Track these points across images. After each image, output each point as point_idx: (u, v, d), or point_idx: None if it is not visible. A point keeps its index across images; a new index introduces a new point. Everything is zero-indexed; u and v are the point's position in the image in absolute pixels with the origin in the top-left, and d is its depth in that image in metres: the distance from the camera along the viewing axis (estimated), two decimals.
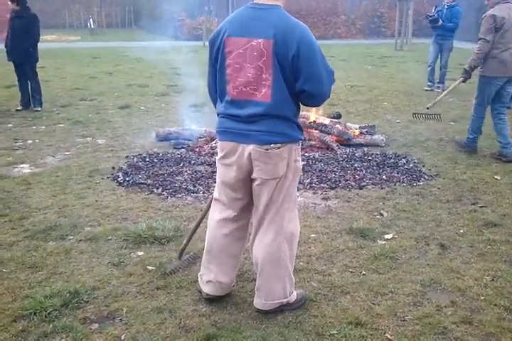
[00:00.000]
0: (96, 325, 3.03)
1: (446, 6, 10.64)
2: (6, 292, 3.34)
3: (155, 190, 5.17)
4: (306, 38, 2.79)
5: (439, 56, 11.07)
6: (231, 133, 2.92)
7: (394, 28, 22.21)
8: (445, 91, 7.18)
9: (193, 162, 5.99)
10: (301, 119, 6.79)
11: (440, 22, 10.55)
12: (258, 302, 3.11)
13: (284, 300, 3.10)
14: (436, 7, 10.95)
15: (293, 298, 3.15)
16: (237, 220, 3.11)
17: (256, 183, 2.94)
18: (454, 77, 11.99)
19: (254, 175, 2.92)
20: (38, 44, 9.10)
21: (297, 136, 2.97)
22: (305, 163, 5.90)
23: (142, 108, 9.31)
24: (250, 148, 2.85)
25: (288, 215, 3.05)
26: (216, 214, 3.14)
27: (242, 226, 3.16)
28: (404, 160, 6.11)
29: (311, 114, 6.99)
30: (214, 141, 6.61)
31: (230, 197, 3.06)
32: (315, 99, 3.00)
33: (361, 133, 6.95)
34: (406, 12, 20.42)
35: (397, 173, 5.67)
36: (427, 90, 11.04)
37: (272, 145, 2.84)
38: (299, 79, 2.82)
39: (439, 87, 11.04)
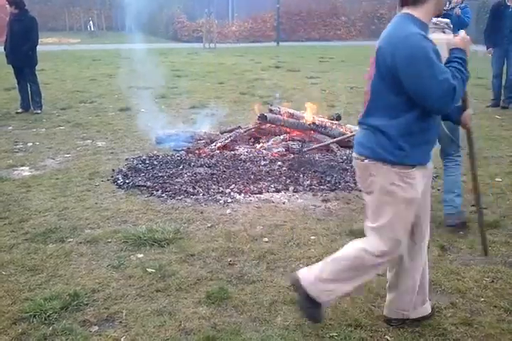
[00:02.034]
0: (96, 328, 3.03)
1: (459, 7, 10.37)
2: (5, 294, 3.34)
3: (155, 192, 5.17)
4: (403, 48, 2.53)
5: None
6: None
7: None
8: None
9: (192, 164, 5.98)
10: (300, 121, 6.80)
11: (459, 11, 9.93)
12: None
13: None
14: (449, 2, 10.52)
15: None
16: None
17: None
18: None
19: None
20: (38, 47, 9.11)
21: (386, 157, 2.66)
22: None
23: (142, 110, 9.31)
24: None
25: (374, 234, 2.81)
26: None
27: None
28: None
29: (311, 116, 6.99)
30: (214, 143, 6.62)
31: None
32: (434, 112, 2.70)
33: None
34: None
35: None
36: None
37: (357, 155, 2.79)
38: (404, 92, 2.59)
39: None
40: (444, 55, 2.86)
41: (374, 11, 29.49)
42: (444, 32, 4.41)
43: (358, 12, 29.51)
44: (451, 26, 4.45)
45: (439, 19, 4.45)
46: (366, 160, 2.71)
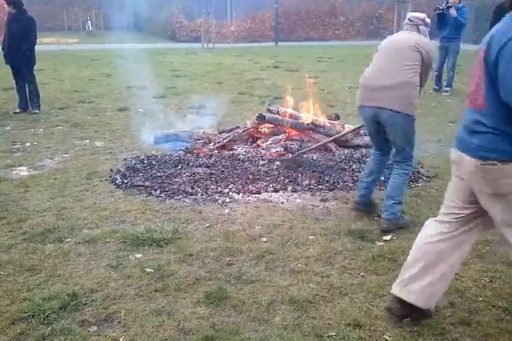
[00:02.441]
0: (94, 328, 3.02)
1: (455, 8, 10.41)
2: (4, 295, 3.34)
3: (153, 192, 5.17)
4: (509, 46, 2.43)
5: (446, 59, 10.91)
6: (457, 140, 2.84)
7: (392, 29, 22.25)
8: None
9: (191, 164, 5.98)
10: (299, 121, 6.80)
11: (454, 12, 10.18)
12: None
13: None
14: (447, 2, 10.60)
15: None
16: None
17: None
18: (461, 80, 12.04)
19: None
20: (36, 47, 9.10)
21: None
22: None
23: (141, 110, 9.31)
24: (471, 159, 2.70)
25: None
26: None
27: None
28: None
29: (309, 116, 6.99)
30: (212, 143, 6.62)
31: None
32: None
33: (359, 134, 6.95)
34: (404, 13, 20.44)
35: None
36: (431, 92, 10.99)
37: (482, 161, 2.64)
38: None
39: (447, 90, 10.93)
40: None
41: (373, 11, 29.52)
42: (418, 28, 4.33)
43: (356, 12, 29.53)
44: (428, 22, 4.37)
45: (415, 14, 4.39)
46: (499, 164, 2.59)
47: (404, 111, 4.22)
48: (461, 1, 10.60)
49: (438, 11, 10.42)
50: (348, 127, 7.07)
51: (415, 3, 24.45)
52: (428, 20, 4.39)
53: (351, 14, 29.48)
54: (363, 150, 6.59)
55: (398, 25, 20.61)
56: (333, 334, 2.95)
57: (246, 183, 5.38)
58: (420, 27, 4.35)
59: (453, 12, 10.32)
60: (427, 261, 2.97)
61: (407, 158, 4.41)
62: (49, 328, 2.99)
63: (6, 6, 8.79)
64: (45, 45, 19.92)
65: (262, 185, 5.33)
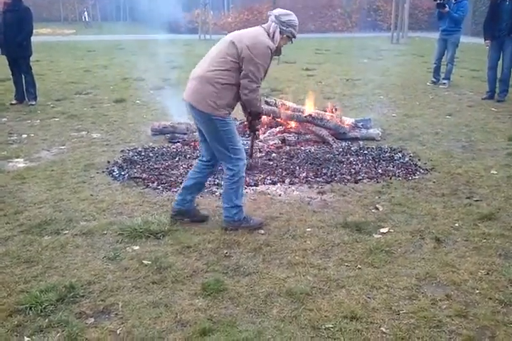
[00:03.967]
0: (92, 320, 3.02)
1: (453, 1, 10.41)
2: (1, 287, 3.33)
3: (150, 184, 5.16)
4: None
5: (445, 52, 10.85)
6: None
7: (390, 22, 22.19)
8: None
9: (188, 156, 5.97)
10: (297, 113, 6.79)
11: (447, 8, 10.25)
12: None
13: None
14: None
15: None
16: None
17: None
18: (458, 73, 12.02)
19: None
20: (32, 37, 9.04)
21: None
22: (301, 156, 5.91)
23: (138, 102, 9.29)
24: None
25: None
26: None
27: None
28: (399, 154, 6.11)
29: (307, 108, 6.98)
30: None
31: None
32: None
33: (357, 126, 6.95)
34: (402, 5, 20.40)
35: (393, 167, 5.67)
36: (429, 85, 10.97)
37: None
38: None
39: (444, 83, 10.90)
40: None
41: (370, 3, 29.41)
42: (270, 25, 3.92)
43: (354, 4, 29.41)
44: (285, 21, 3.91)
45: (278, 10, 4.01)
46: None
47: (200, 108, 3.90)
48: None
49: (438, 1, 10.35)
50: (346, 119, 7.07)
51: None
52: (287, 18, 3.94)
53: (349, 6, 29.36)
54: (361, 143, 6.58)
55: (396, 17, 20.53)
56: (330, 326, 2.95)
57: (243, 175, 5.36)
58: (273, 24, 3.92)
59: (445, 9, 10.31)
60: None
61: (228, 161, 4.01)
62: (46, 320, 2.99)
63: None
64: (41, 35, 19.81)
65: (260, 178, 5.33)
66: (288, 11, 4.01)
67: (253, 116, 4.18)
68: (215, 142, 3.98)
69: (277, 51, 3.98)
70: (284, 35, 3.96)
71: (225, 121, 3.91)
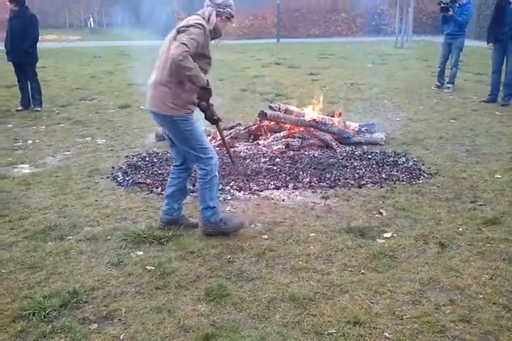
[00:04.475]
0: (95, 325, 3.03)
1: (457, 5, 10.41)
2: (5, 292, 3.35)
3: (154, 189, 5.17)
4: None
5: (450, 55, 10.83)
6: None
7: (394, 26, 22.19)
8: None
9: None
10: (301, 118, 6.80)
11: (451, 12, 10.24)
12: None
13: None
14: None
15: None
16: None
17: None
18: (462, 77, 12.00)
19: None
20: (38, 44, 9.10)
21: None
22: (305, 161, 5.92)
23: (142, 107, 9.30)
24: None
25: None
26: None
27: None
28: (403, 159, 6.10)
29: (311, 113, 6.99)
30: (214, 140, 6.61)
31: None
32: None
33: (361, 131, 6.95)
34: (406, 9, 20.41)
35: (397, 172, 5.67)
36: (433, 89, 10.95)
37: None
38: None
39: (449, 87, 10.85)
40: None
41: (375, 7, 29.41)
42: (205, 11, 3.88)
43: (358, 8, 29.43)
44: (216, 1, 3.88)
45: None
46: None
47: (161, 112, 3.88)
48: None
49: (442, 5, 10.33)
50: (350, 124, 7.08)
51: None
52: (221, 0, 3.91)
53: (353, 10, 29.38)
54: (364, 147, 6.58)
55: (400, 21, 20.55)
56: (333, 331, 2.95)
57: (247, 180, 5.38)
58: (208, 8, 3.91)
59: (449, 12, 10.29)
60: None
61: (199, 161, 4.02)
62: (49, 326, 3.00)
63: (8, 3, 8.78)
64: (46, 42, 19.92)
65: (263, 183, 5.33)
66: None
67: (200, 94, 4.02)
68: (182, 144, 3.99)
69: (216, 33, 3.96)
70: (223, 17, 3.95)
71: (188, 120, 3.92)
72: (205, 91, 3.99)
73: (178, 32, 3.72)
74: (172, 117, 3.87)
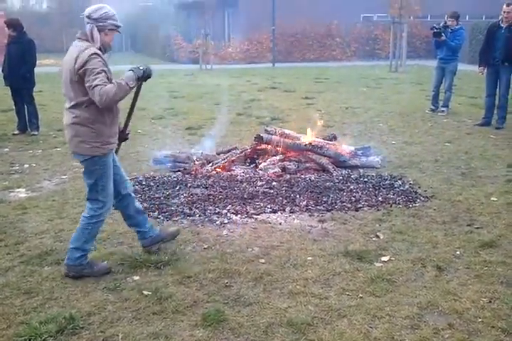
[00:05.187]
0: None
1: (450, 30, 10.57)
2: (0, 318, 3.32)
3: (151, 213, 5.16)
4: None
5: (443, 80, 10.96)
6: None
7: (388, 50, 22.46)
8: None
9: (189, 185, 5.99)
10: (297, 142, 6.84)
11: (443, 37, 10.40)
12: None
13: None
14: (445, 23, 10.68)
15: None
16: None
17: None
18: (456, 100, 12.12)
19: None
20: (35, 69, 9.17)
21: None
22: (301, 185, 5.93)
23: (139, 131, 9.34)
24: None
25: None
26: None
27: None
28: (399, 182, 6.13)
29: (307, 136, 7.03)
30: (210, 164, 6.64)
31: None
32: None
33: (356, 154, 6.99)
34: (400, 34, 20.69)
35: (393, 195, 5.68)
36: (428, 112, 11.05)
37: None
38: None
39: (443, 110, 10.95)
40: None
41: (369, 32, 29.82)
42: (87, 30, 3.72)
43: (352, 33, 29.83)
44: (97, 16, 3.68)
45: (84, 12, 3.75)
46: None
47: (80, 153, 3.79)
48: (458, 23, 10.70)
49: (435, 30, 10.48)
50: (346, 147, 7.12)
51: (410, 23, 24.73)
52: (99, 13, 3.70)
53: (347, 35, 29.77)
54: (361, 171, 6.61)
55: (394, 46, 20.81)
56: None
57: (244, 204, 5.38)
58: (88, 26, 3.71)
59: (441, 37, 10.44)
60: None
61: (93, 202, 3.88)
62: None
63: (6, 29, 8.88)
64: (44, 66, 20.04)
65: (260, 206, 5.34)
66: (98, 5, 3.78)
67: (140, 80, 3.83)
68: (89, 180, 3.84)
69: (106, 47, 3.78)
70: (106, 30, 3.75)
71: (106, 158, 3.82)
72: (147, 77, 3.82)
73: (79, 74, 3.58)
74: (92, 156, 3.76)
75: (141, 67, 3.74)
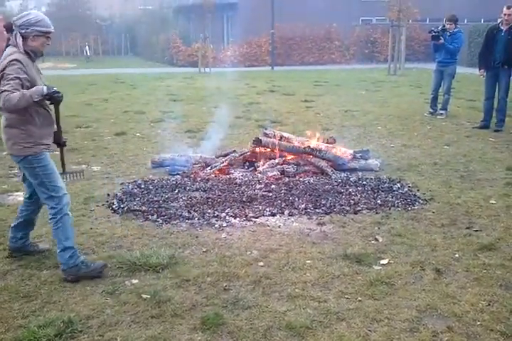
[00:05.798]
0: None
1: (448, 33, 10.61)
2: None
3: (150, 216, 5.16)
4: None
5: (442, 83, 10.99)
6: None
7: (387, 53, 22.51)
8: None
9: (188, 188, 5.99)
10: (296, 145, 6.84)
11: (442, 40, 10.44)
12: None
13: None
14: (444, 26, 10.73)
15: None
16: None
17: None
18: (455, 103, 12.14)
19: None
20: None
21: None
22: (300, 188, 5.93)
23: (138, 134, 9.36)
24: None
25: None
26: None
27: None
28: (398, 185, 6.13)
29: (306, 139, 7.03)
30: (209, 167, 6.64)
31: None
32: None
33: (355, 157, 6.99)
34: (399, 37, 20.75)
35: (392, 198, 5.68)
36: (426, 115, 11.06)
37: None
38: None
39: (442, 113, 10.97)
40: None
41: (367, 35, 29.91)
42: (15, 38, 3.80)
43: (351, 36, 29.91)
44: (17, 23, 3.77)
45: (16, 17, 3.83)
46: None
47: (14, 154, 3.90)
48: (457, 27, 10.73)
49: (433, 33, 10.51)
50: (344, 150, 7.12)
51: (409, 27, 24.79)
52: (22, 20, 3.78)
53: (346, 38, 29.85)
54: (359, 174, 6.61)
55: (393, 49, 20.86)
56: None
57: (243, 207, 5.38)
58: (13, 33, 3.82)
59: (440, 41, 10.47)
60: None
61: (50, 200, 3.92)
62: None
63: (5, 32, 8.87)
64: (43, 69, 20.09)
65: (259, 209, 5.34)
66: (25, 12, 3.89)
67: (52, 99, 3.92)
68: (35, 181, 3.91)
69: (35, 52, 3.88)
70: (31, 36, 3.79)
71: (41, 157, 3.86)
72: (50, 98, 3.87)
73: (1, 78, 3.67)
74: (27, 157, 3.83)
75: (54, 88, 3.80)
